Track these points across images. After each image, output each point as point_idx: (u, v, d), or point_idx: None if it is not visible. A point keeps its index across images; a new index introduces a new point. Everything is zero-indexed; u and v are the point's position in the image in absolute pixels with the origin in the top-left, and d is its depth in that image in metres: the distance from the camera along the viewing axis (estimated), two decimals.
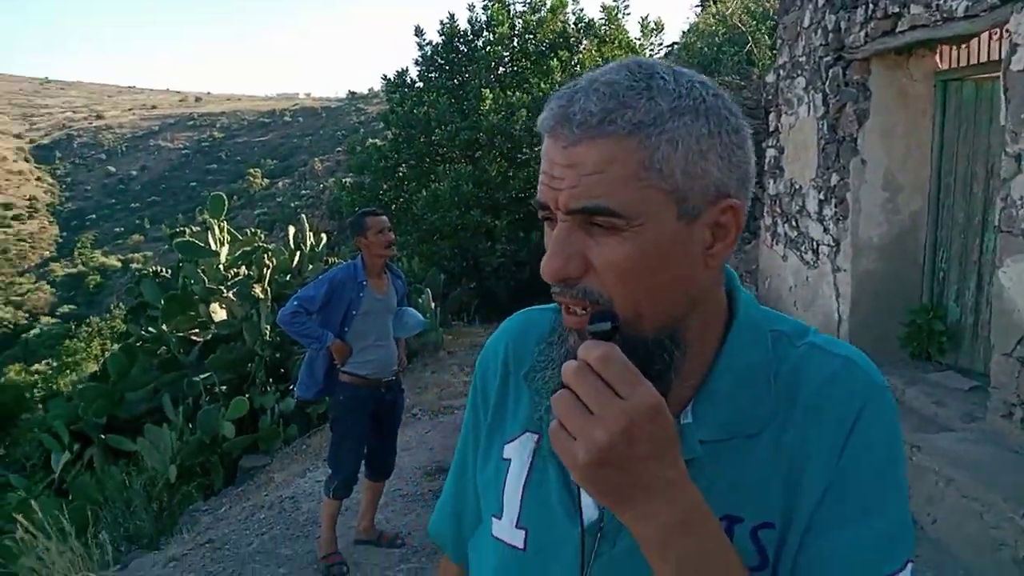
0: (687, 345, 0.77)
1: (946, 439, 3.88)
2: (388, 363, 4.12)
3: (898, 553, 0.74)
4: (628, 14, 13.96)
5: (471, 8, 13.80)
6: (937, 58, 4.94)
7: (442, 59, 13.76)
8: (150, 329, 8.55)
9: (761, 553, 0.75)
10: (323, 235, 9.60)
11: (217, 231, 8.09)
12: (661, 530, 0.67)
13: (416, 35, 13.75)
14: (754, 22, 13.79)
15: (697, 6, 20.24)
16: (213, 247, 7.99)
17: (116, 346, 9.91)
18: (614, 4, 14.06)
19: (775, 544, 0.75)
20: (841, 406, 0.76)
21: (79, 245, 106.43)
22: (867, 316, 5.19)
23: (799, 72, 5.91)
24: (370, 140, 14.26)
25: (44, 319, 70.60)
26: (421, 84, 13.97)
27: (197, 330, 8.09)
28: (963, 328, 4.81)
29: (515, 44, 13.65)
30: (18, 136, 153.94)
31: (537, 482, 0.85)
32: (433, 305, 9.29)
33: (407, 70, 14.02)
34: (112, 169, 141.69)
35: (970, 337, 4.75)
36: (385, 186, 13.41)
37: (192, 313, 7.96)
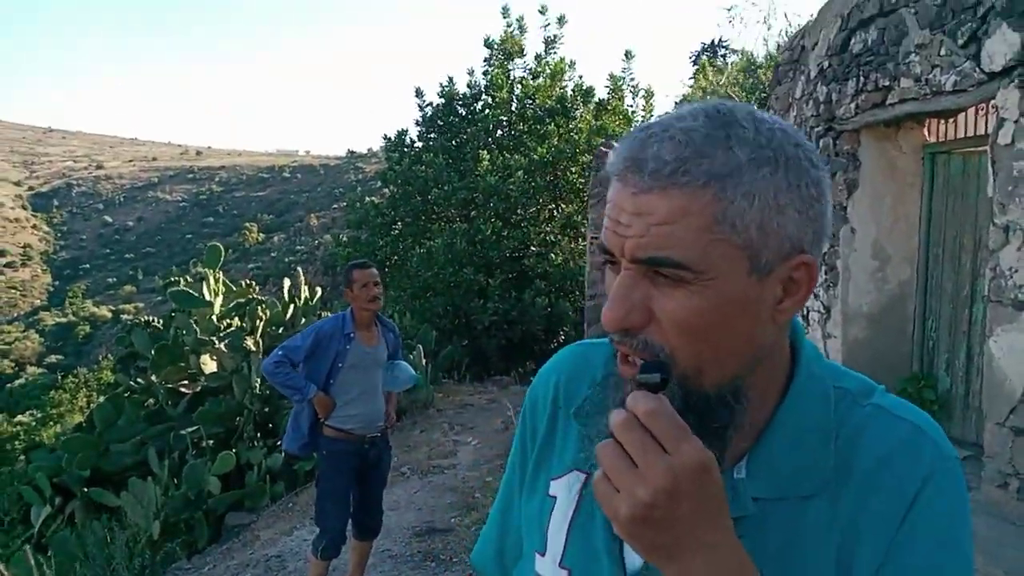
0: (748, 401, 0.73)
1: None
2: (373, 418, 4.03)
3: None
4: (634, 85, 14.34)
5: (471, 72, 14.15)
6: (925, 131, 5.08)
7: (442, 120, 14.05)
8: (139, 380, 8.48)
9: None
10: (317, 289, 9.61)
11: (212, 281, 8.10)
12: None
13: (416, 96, 14.06)
14: (744, 94, 14.15)
15: (690, 79, 20.80)
16: (207, 297, 7.99)
17: (103, 397, 9.81)
18: (621, 76, 14.43)
19: None
20: (904, 477, 0.72)
21: (70, 294, 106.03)
22: None
23: None
24: (368, 198, 14.43)
25: (30, 369, 69.84)
26: (420, 144, 14.22)
27: (186, 382, 8.02)
28: (954, 398, 4.82)
29: (513, 108, 13.96)
30: (17, 183, 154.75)
31: (583, 523, 0.83)
32: (424, 362, 9.26)
33: (407, 130, 14.30)
34: (109, 219, 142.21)
35: (961, 407, 4.76)
36: (381, 242, 13.52)
37: (182, 364, 7.90)
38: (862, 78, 4.82)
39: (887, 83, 4.54)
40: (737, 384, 0.72)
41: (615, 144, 0.74)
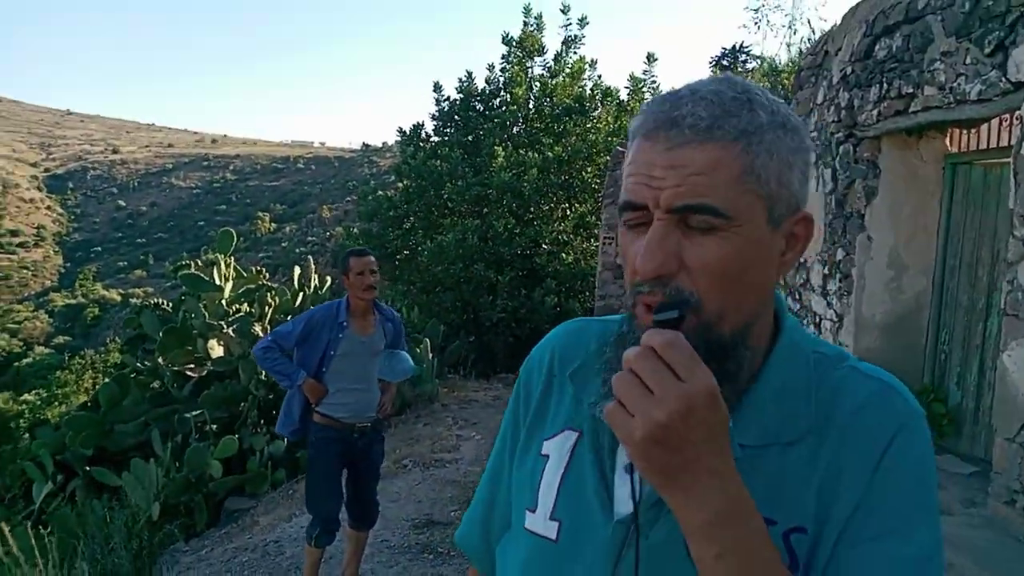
0: (748, 350, 0.80)
1: (946, 523, 3.80)
2: (364, 408, 3.95)
3: (925, 573, 0.75)
4: (655, 88, 14.25)
5: (490, 68, 14.12)
6: (947, 141, 5.01)
7: (458, 115, 14.02)
8: (146, 362, 8.49)
9: (792, 556, 0.77)
10: (327, 278, 9.62)
11: (223, 266, 8.11)
12: (709, 516, 0.68)
13: (434, 90, 14.05)
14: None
15: None
16: (217, 282, 7.99)
17: (108, 377, 9.84)
18: (642, 78, 14.33)
19: (806, 549, 0.77)
20: (877, 427, 0.79)
21: (81, 277, 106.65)
22: None
23: None
24: (380, 191, 14.41)
25: (38, 349, 70.27)
26: (436, 138, 14.20)
27: (193, 365, 8.02)
28: (964, 412, 4.76)
29: (531, 106, 13.92)
30: (34, 165, 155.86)
31: (574, 476, 0.88)
32: (431, 356, 9.24)
33: (423, 124, 14.29)
34: (122, 203, 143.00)
35: (971, 421, 4.70)
36: (392, 235, 13.51)
37: (189, 348, 7.91)
38: (885, 85, 4.76)
39: (910, 90, 4.48)
40: (747, 330, 0.79)
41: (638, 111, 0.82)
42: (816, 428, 0.79)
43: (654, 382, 0.66)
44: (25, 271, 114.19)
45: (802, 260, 6.08)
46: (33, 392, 31.60)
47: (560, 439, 0.91)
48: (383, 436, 4.26)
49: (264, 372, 7.47)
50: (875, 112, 4.87)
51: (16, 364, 53.13)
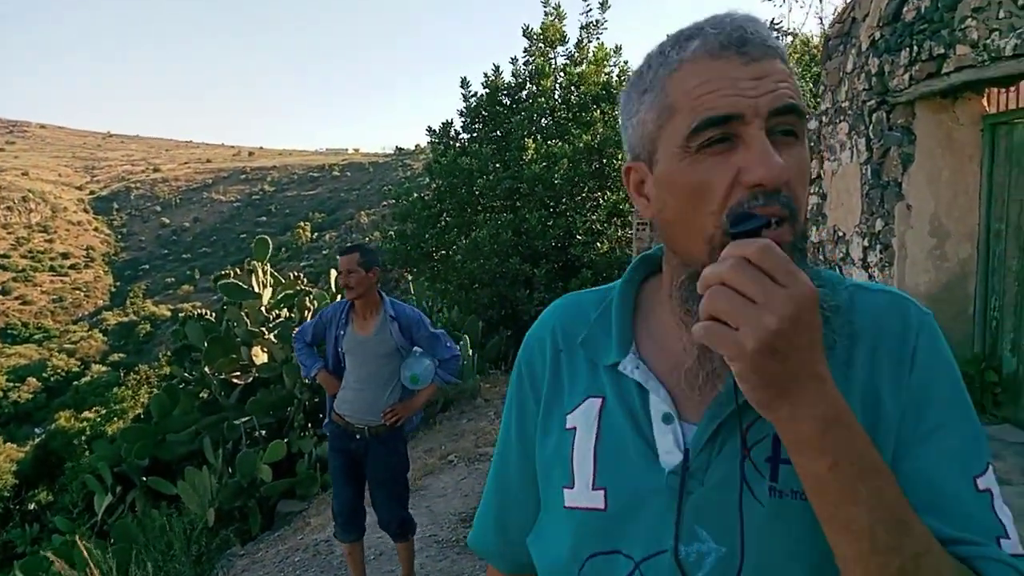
0: None
1: (1005, 493, 3.69)
2: (363, 409, 3.75)
3: (980, 456, 0.78)
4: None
5: (513, 61, 14.08)
6: (984, 101, 4.86)
7: (486, 111, 14.00)
8: (193, 372, 8.67)
9: None
10: None
11: (260, 274, 8.23)
12: (820, 425, 0.67)
13: (462, 87, 14.04)
14: (800, 70, 13.80)
15: None
16: (256, 289, 8.12)
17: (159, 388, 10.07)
18: None
19: None
20: (900, 335, 0.82)
21: (131, 295, 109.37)
22: None
23: (842, 117, 5.86)
24: (414, 194, 14.45)
25: (95, 367, 72.31)
26: (465, 136, 14.21)
27: (239, 372, 8.17)
28: (1020, 379, 4.62)
29: (557, 96, 13.84)
30: (79, 188, 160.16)
31: (609, 440, 0.86)
32: (471, 353, 9.27)
33: (452, 122, 14.29)
34: (166, 220, 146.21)
35: None
36: (428, 235, 13.56)
37: (234, 356, 8.05)
38: (916, 47, 4.63)
39: (942, 51, 4.35)
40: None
41: (685, 40, 0.81)
42: (839, 349, 0.80)
43: (756, 290, 0.64)
44: (78, 292, 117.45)
45: (841, 234, 5.95)
46: (93, 409, 32.56)
47: (584, 408, 0.89)
48: (396, 445, 3.86)
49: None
50: (907, 76, 4.74)
51: (75, 383, 54.76)
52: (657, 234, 0.87)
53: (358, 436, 3.79)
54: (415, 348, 3.85)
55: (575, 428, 0.88)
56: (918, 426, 0.78)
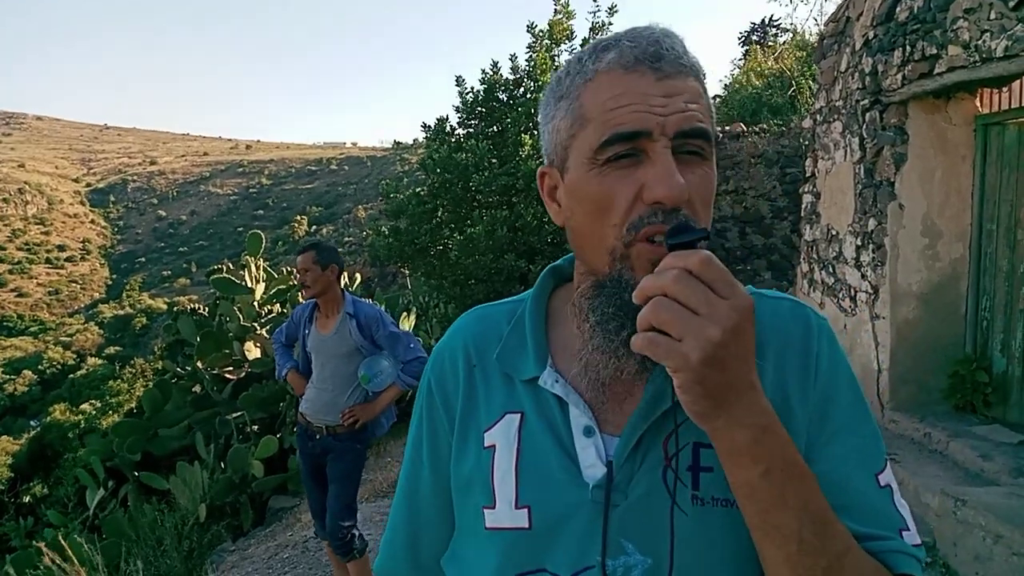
0: None
1: (993, 494, 3.69)
2: (321, 409, 3.69)
3: (880, 454, 0.82)
4: None
5: (512, 58, 14.04)
6: (977, 101, 4.85)
7: (482, 107, 13.96)
8: (186, 367, 8.65)
9: None
10: (357, 276, 9.68)
11: (253, 268, 8.20)
12: (753, 433, 0.68)
13: (457, 84, 14.01)
14: (799, 66, 13.78)
15: (739, 59, 20.38)
16: (249, 284, 8.09)
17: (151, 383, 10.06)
18: None
19: None
20: (803, 341, 0.84)
21: (127, 288, 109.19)
22: (908, 366, 5.02)
23: (836, 116, 5.85)
24: (407, 188, 14.41)
25: (91, 360, 72.20)
26: (461, 131, 14.17)
27: (231, 367, 8.15)
28: (1010, 380, 4.62)
29: None
30: (76, 180, 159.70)
31: (530, 457, 0.84)
32: None
33: (447, 117, 14.26)
34: (163, 213, 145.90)
35: (1018, 389, 4.57)
36: (421, 231, 13.54)
37: (226, 351, 8.03)
38: (908, 47, 4.62)
39: (934, 51, 4.34)
40: None
41: (591, 53, 0.82)
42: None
43: (699, 302, 0.64)
44: (74, 284, 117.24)
45: (834, 232, 5.95)
46: (88, 403, 32.53)
47: (502, 425, 0.86)
48: (354, 447, 3.72)
49: None
50: (899, 76, 4.73)
51: (71, 376, 54.68)
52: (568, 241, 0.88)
53: (317, 436, 3.71)
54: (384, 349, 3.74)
55: (494, 446, 0.86)
56: (823, 428, 0.81)
